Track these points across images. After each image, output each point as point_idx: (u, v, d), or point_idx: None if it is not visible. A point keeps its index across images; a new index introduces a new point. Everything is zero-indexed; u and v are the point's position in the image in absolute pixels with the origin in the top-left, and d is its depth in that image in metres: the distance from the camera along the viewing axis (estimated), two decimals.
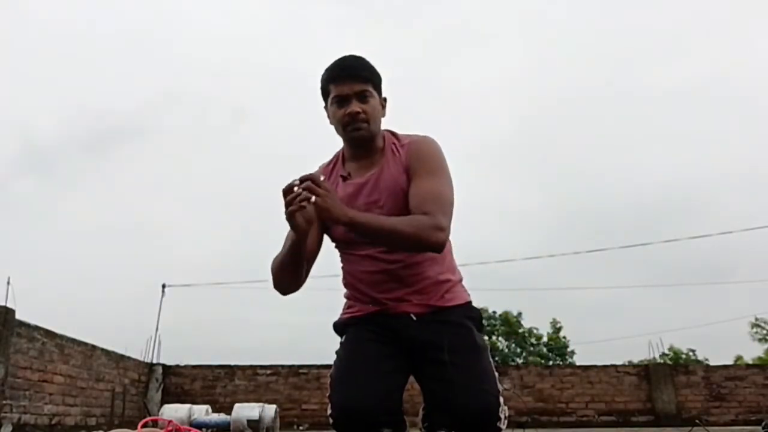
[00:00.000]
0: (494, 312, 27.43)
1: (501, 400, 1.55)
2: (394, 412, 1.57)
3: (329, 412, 1.56)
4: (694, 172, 45.04)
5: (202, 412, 6.91)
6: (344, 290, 1.85)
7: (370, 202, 1.69)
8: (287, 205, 1.44)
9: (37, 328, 7.15)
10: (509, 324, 27.62)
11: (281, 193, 1.44)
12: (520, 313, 27.94)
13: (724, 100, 46.23)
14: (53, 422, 7.24)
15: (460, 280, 1.82)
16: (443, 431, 1.58)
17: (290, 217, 1.45)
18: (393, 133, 1.80)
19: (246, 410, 6.65)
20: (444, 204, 1.61)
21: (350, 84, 1.66)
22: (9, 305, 6.70)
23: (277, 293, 1.69)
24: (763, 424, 7.43)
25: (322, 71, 1.74)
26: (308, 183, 1.43)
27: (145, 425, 3.64)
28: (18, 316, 6.75)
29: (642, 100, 45.22)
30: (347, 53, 1.74)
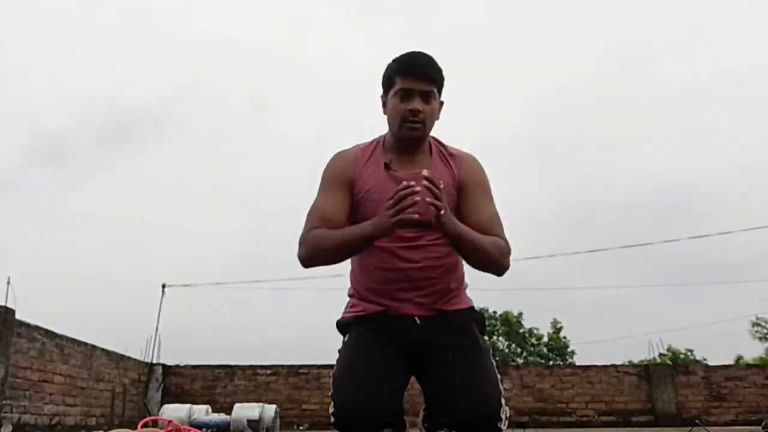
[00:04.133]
0: (494, 312, 27.43)
1: (502, 401, 1.55)
2: (395, 412, 1.57)
3: (331, 411, 1.56)
4: (695, 172, 45.05)
5: (202, 412, 6.90)
6: (348, 289, 1.85)
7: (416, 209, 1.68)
8: (400, 207, 1.43)
9: (37, 328, 7.14)
10: (509, 324, 27.62)
11: (397, 194, 1.43)
12: (520, 313, 27.97)
13: (736, 98, 46.21)
14: (53, 422, 7.24)
15: (466, 287, 1.83)
16: (444, 431, 1.59)
17: (399, 223, 1.45)
18: (437, 140, 1.82)
19: (246, 410, 6.65)
20: (503, 229, 1.71)
21: (418, 81, 1.66)
22: (9, 305, 6.70)
23: (300, 266, 1.68)
24: (763, 424, 7.43)
25: (387, 67, 1.73)
26: (435, 199, 1.42)
27: (145, 425, 3.63)
28: (18, 316, 6.74)
29: (643, 100, 45.23)
30: (416, 50, 1.73)
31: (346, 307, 1.82)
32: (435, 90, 1.70)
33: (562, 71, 44.75)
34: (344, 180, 1.74)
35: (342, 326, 1.79)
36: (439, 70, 1.71)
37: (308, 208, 1.74)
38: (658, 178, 39.91)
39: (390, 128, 1.75)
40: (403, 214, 1.43)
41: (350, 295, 1.83)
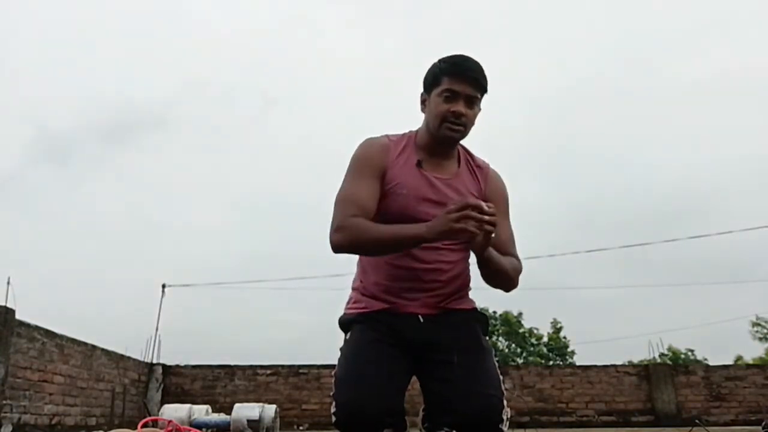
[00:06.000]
0: (494, 312, 27.41)
1: (504, 401, 1.55)
2: (396, 413, 1.57)
3: (333, 410, 1.56)
4: (696, 172, 45.04)
5: (202, 412, 6.90)
6: (353, 281, 1.83)
7: (438, 201, 1.68)
8: (465, 215, 1.43)
9: (37, 328, 7.14)
10: (509, 324, 27.62)
11: (470, 207, 1.44)
12: (520, 313, 27.96)
13: (737, 98, 46.19)
14: (53, 422, 7.24)
15: (470, 290, 1.83)
16: (444, 431, 1.59)
17: (458, 231, 1.44)
18: (465, 148, 1.82)
19: (246, 410, 6.65)
20: (516, 248, 1.78)
21: (467, 86, 1.66)
22: (9, 305, 6.70)
23: (330, 251, 1.65)
24: (763, 424, 7.43)
25: (434, 66, 1.72)
26: (491, 219, 1.44)
27: (145, 425, 3.64)
28: (18, 316, 6.74)
29: (645, 100, 45.21)
30: (466, 54, 1.72)
31: (349, 302, 1.80)
32: (479, 97, 1.69)
33: (563, 71, 44.76)
34: (377, 168, 1.71)
35: (344, 324, 1.77)
36: (486, 77, 1.70)
37: (337, 193, 1.71)
38: (659, 178, 39.94)
39: (428, 127, 1.73)
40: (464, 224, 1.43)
41: (354, 288, 1.81)
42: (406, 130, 1.82)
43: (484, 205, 1.44)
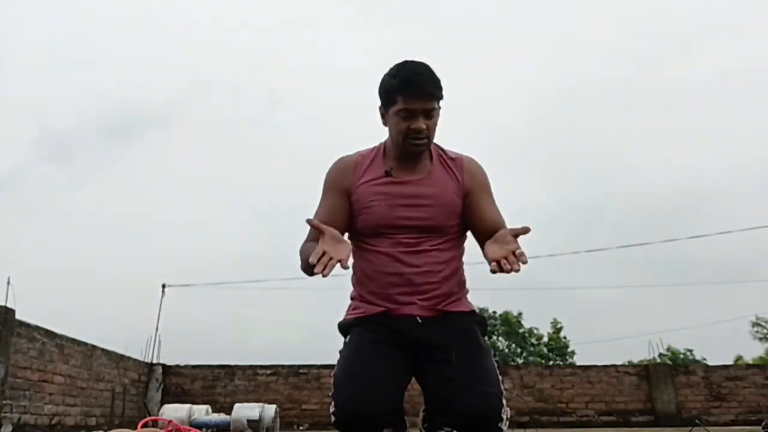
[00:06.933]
0: (494, 312, 27.42)
1: (504, 401, 1.55)
2: (396, 412, 1.57)
3: (332, 410, 1.56)
4: (697, 172, 45.02)
5: (202, 412, 6.90)
6: (351, 292, 1.84)
7: (413, 205, 1.71)
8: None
9: (37, 328, 7.14)
10: (509, 324, 27.62)
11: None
12: (520, 313, 27.97)
13: (739, 97, 46.18)
14: (53, 422, 7.24)
15: (467, 293, 1.83)
16: (445, 431, 1.59)
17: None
18: (436, 144, 1.81)
19: (246, 410, 6.65)
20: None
21: (422, 101, 1.64)
22: (9, 305, 6.70)
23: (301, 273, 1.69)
24: (763, 424, 7.43)
25: (386, 72, 1.70)
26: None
27: (145, 425, 3.64)
28: (18, 316, 6.74)
29: (645, 100, 45.21)
30: (413, 59, 1.70)
31: (348, 310, 1.82)
32: (437, 105, 1.69)
33: (563, 71, 44.74)
34: (341, 187, 1.76)
35: (343, 328, 1.78)
36: (439, 83, 1.68)
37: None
38: (659, 178, 39.93)
39: (392, 142, 1.75)
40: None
41: (352, 298, 1.82)
42: (381, 141, 1.83)
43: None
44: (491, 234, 1.61)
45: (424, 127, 1.65)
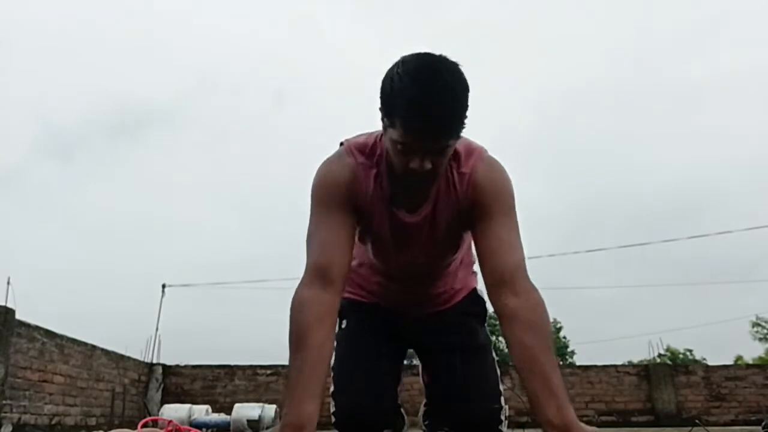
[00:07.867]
0: (494, 312, 27.39)
1: (503, 400, 1.55)
2: (393, 411, 1.57)
3: (332, 410, 1.56)
4: (697, 172, 45.01)
5: (202, 412, 6.91)
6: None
7: (410, 245, 1.49)
8: None
9: (37, 328, 7.14)
10: None
11: None
12: None
13: (740, 97, 46.17)
14: (53, 422, 7.23)
15: (471, 272, 1.77)
16: (444, 431, 1.59)
17: None
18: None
19: (246, 410, 6.65)
20: (526, 266, 1.38)
21: (429, 142, 1.22)
22: (9, 305, 6.70)
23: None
24: (763, 424, 7.42)
25: (393, 68, 1.23)
26: None
27: (145, 425, 3.63)
28: (18, 316, 6.74)
29: (646, 99, 45.19)
30: (433, 67, 1.19)
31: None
32: (453, 140, 1.26)
33: (567, 72, 44.73)
34: (349, 205, 1.41)
35: (340, 309, 1.56)
36: (462, 116, 1.22)
37: (308, 232, 1.40)
38: (659, 178, 39.91)
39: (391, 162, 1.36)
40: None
41: (351, 278, 1.65)
42: (373, 135, 1.45)
43: None
44: (487, 257, 1.39)
45: (429, 167, 1.25)
